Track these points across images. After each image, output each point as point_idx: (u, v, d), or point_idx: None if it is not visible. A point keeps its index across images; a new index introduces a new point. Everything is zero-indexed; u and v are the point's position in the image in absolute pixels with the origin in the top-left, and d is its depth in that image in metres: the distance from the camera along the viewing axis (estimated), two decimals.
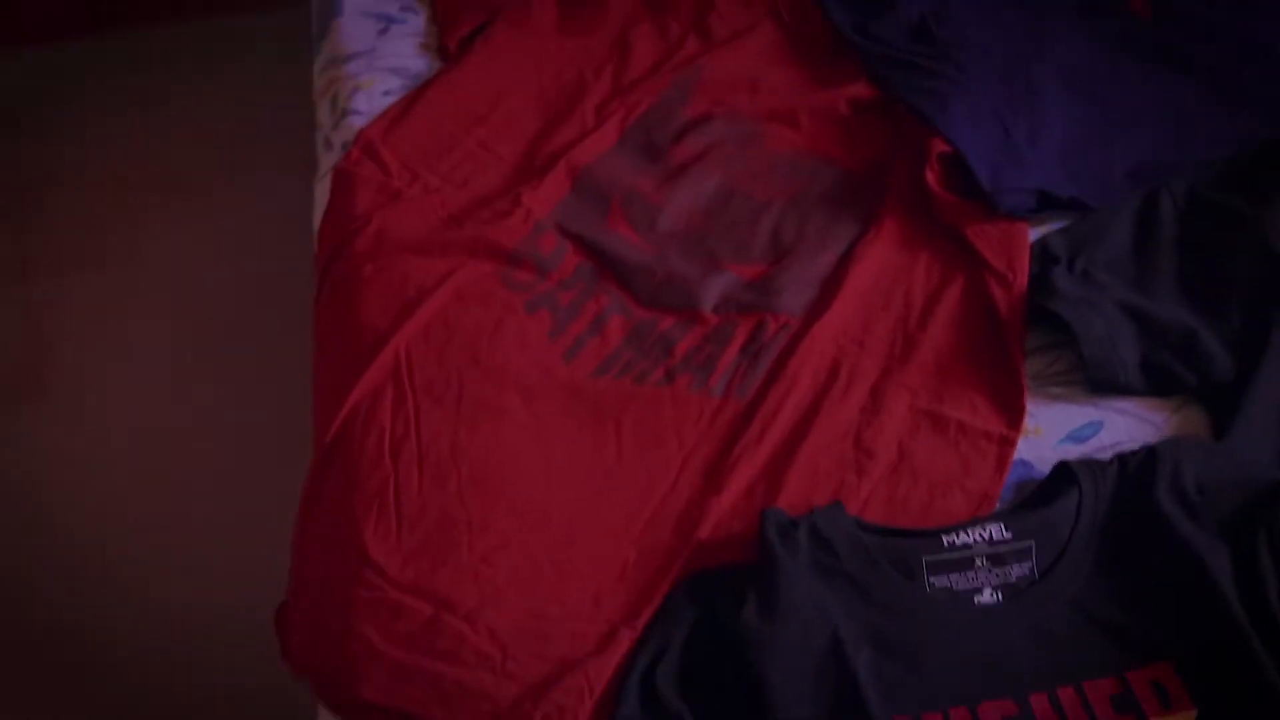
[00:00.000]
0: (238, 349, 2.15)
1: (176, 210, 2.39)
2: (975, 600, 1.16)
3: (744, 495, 1.24)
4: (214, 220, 2.36)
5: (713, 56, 1.64)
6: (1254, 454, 1.24)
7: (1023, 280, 1.37)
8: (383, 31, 1.71)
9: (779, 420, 1.29)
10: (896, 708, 1.10)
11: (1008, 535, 1.18)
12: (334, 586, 1.19)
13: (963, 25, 1.62)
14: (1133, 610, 1.15)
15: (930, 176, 1.45)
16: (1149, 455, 1.22)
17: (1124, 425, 1.29)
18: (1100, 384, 1.30)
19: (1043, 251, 1.41)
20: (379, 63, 1.65)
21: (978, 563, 1.17)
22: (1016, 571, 1.17)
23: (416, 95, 1.60)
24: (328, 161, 1.58)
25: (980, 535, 1.18)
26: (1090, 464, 1.23)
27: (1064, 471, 1.23)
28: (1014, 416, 1.29)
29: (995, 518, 1.19)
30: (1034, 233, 1.43)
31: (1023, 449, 1.28)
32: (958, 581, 1.17)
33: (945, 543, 1.18)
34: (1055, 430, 1.29)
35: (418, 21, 1.72)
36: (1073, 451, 1.27)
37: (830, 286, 1.40)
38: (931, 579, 1.16)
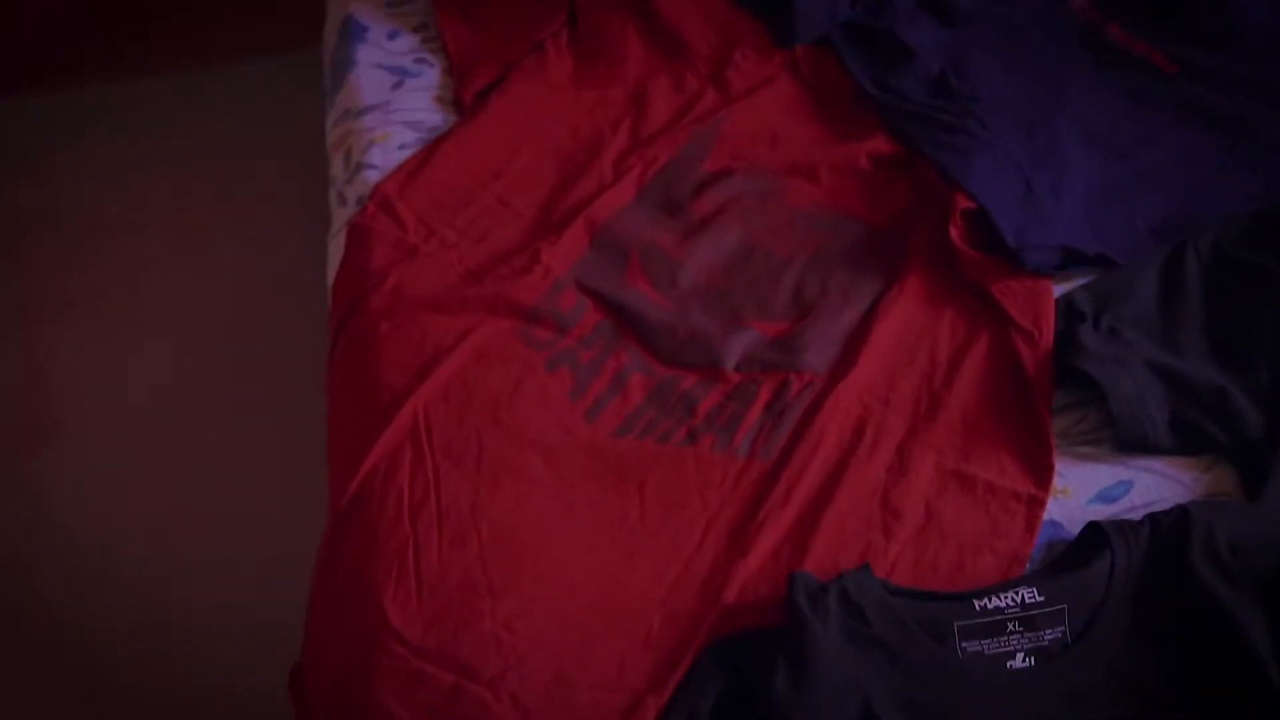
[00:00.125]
0: (239, 392, 2.14)
1: (176, 254, 2.38)
2: (1008, 665, 1.14)
3: (770, 558, 1.22)
4: (214, 264, 2.35)
5: (731, 110, 1.63)
6: None
7: (1049, 338, 1.36)
8: (397, 85, 1.69)
9: (804, 481, 1.27)
10: None
11: (1040, 599, 1.16)
12: (353, 652, 1.17)
13: (982, 79, 1.61)
14: (1167, 674, 1.13)
15: (954, 232, 1.44)
16: (1182, 516, 1.20)
17: (1154, 485, 1.27)
18: (1129, 443, 1.28)
19: (1068, 308, 1.40)
20: (394, 116, 1.64)
21: (1010, 627, 1.15)
22: (1049, 635, 1.15)
23: (432, 149, 1.59)
24: (342, 216, 1.56)
25: (1012, 599, 1.16)
26: (1121, 525, 1.21)
27: (1095, 532, 1.21)
28: (1043, 476, 1.27)
29: (1027, 581, 1.17)
30: (1058, 289, 1.42)
31: (1052, 509, 1.26)
32: (990, 646, 1.14)
33: (977, 607, 1.16)
34: (1084, 490, 1.27)
35: (432, 74, 1.71)
36: (1103, 512, 1.25)
37: (854, 344, 1.38)
38: (963, 644, 1.14)
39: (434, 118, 1.65)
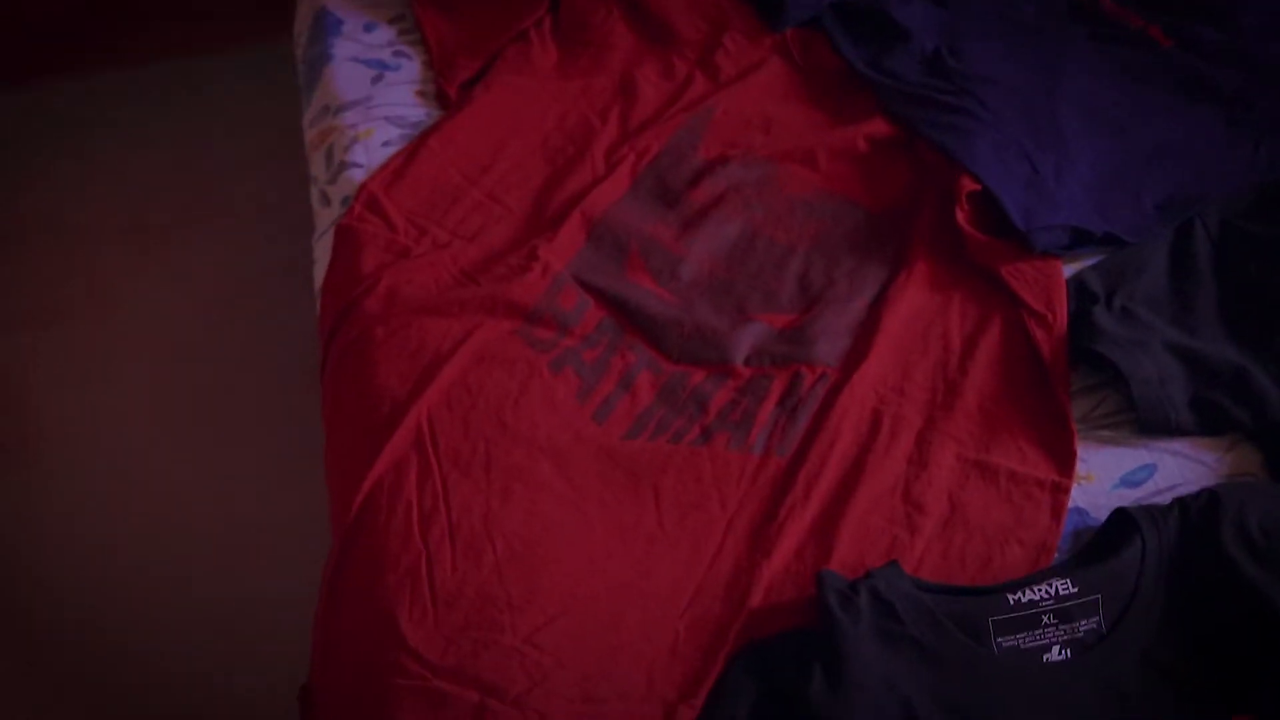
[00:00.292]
0: (229, 396, 2.08)
1: (153, 257, 2.31)
2: (1044, 659, 1.11)
3: (794, 557, 1.19)
4: (190, 266, 2.28)
5: (723, 96, 1.59)
6: None
7: (1063, 320, 1.33)
8: (376, 79, 1.64)
9: (824, 477, 1.23)
10: None
11: (1074, 590, 1.13)
12: (370, 675, 1.12)
13: (977, 57, 1.58)
14: (1205, 661, 1.11)
15: (960, 215, 1.41)
16: (1211, 499, 1.18)
17: (1177, 467, 1.25)
18: (1151, 426, 1.26)
19: (1079, 289, 1.37)
20: (375, 112, 1.58)
21: (1045, 620, 1.13)
22: (1084, 626, 1.12)
23: (418, 145, 1.54)
24: (327, 217, 1.51)
25: (1046, 591, 1.13)
26: (1150, 510, 1.18)
27: (1123, 518, 1.18)
28: (1065, 463, 1.25)
29: (1060, 572, 1.14)
30: (1067, 270, 1.40)
31: (1077, 496, 1.23)
32: (1025, 640, 1.12)
33: (1010, 601, 1.13)
34: (1108, 475, 1.25)
35: (412, 68, 1.66)
36: (1128, 496, 1.23)
37: (865, 334, 1.35)
38: (999, 639, 1.12)
39: (417, 112, 1.60)
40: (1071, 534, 1.21)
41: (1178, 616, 1.13)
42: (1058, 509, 1.22)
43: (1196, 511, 1.18)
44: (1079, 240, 1.40)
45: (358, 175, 1.51)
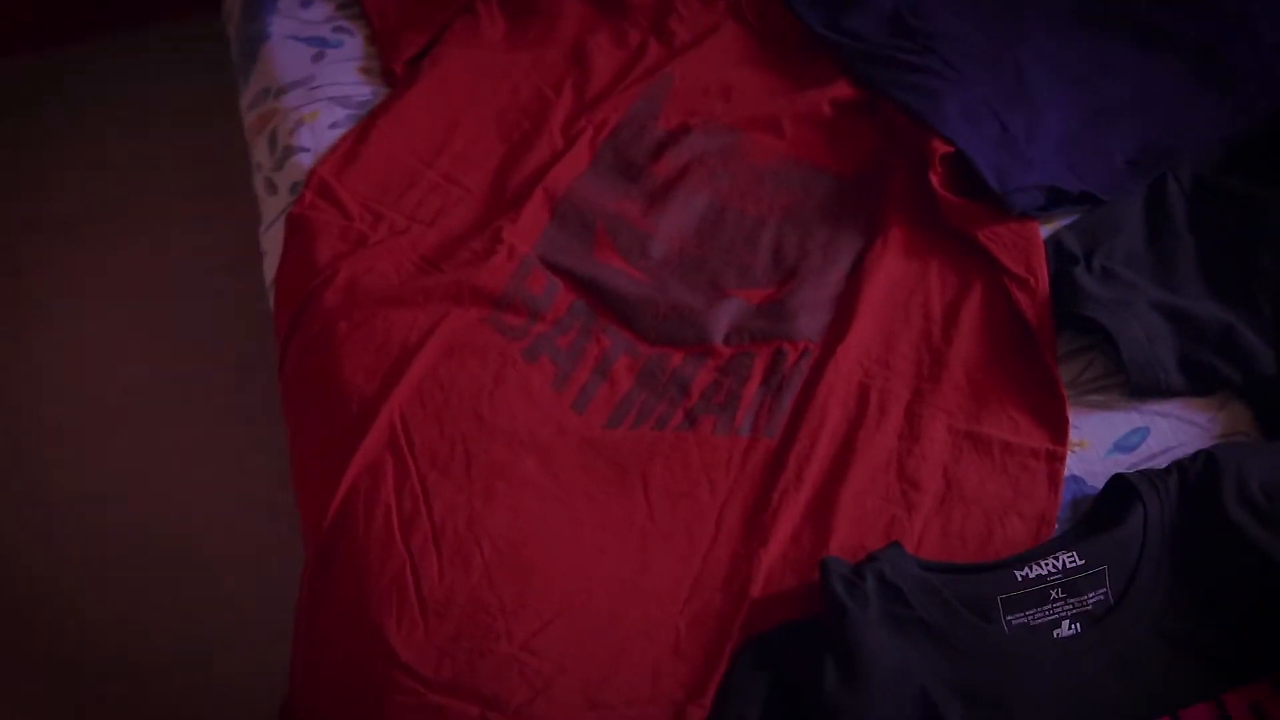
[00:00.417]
0: (163, 392, 2.00)
1: (82, 250, 2.19)
2: (1054, 634, 1.09)
3: (791, 543, 1.15)
4: (119, 261, 2.17)
5: (679, 63, 1.54)
6: None
7: (1045, 283, 1.30)
8: (318, 57, 1.56)
9: (815, 457, 1.20)
10: None
11: (1080, 562, 1.11)
12: (361, 692, 1.07)
13: (937, 15, 1.54)
14: (1215, 626, 1.09)
15: (934, 179, 1.37)
16: (1210, 462, 1.16)
17: (1170, 429, 1.23)
18: (1142, 388, 1.24)
19: (1057, 249, 1.35)
20: (319, 92, 1.50)
21: (1053, 595, 1.10)
22: (1093, 599, 1.10)
23: (367, 127, 1.46)
24: (274, 206, 1.43)
25: (1053, 565, 1.11)
26: (1148, 475, 1.16)
27: (1121, 485, 1.16)
28: (1058, 430, 1.22)
29: (1064, 544, 1.12)
30: (1043, 231, 1.37)
31: (1072, 464, 1.21)
32: (1035, 617, 1.09)
33: (1018, 577, 1.10)
34: (1102, 441, 1.23)
35: (355, 44, 1.58)
36: (1123, 462, 1.21)
37: (845, 306, 1.31)
38: (1009, 618, 1.09)
39: (363, 91, 1.52)
40: (1070, 503, 1.19)
41: (1184, 583, 1.12)
42: (1054, 478, 1.19)
43: (1195, 475, 1.16)
44: (1055, 200, 1.37)
45: (306, 160, 1.44)
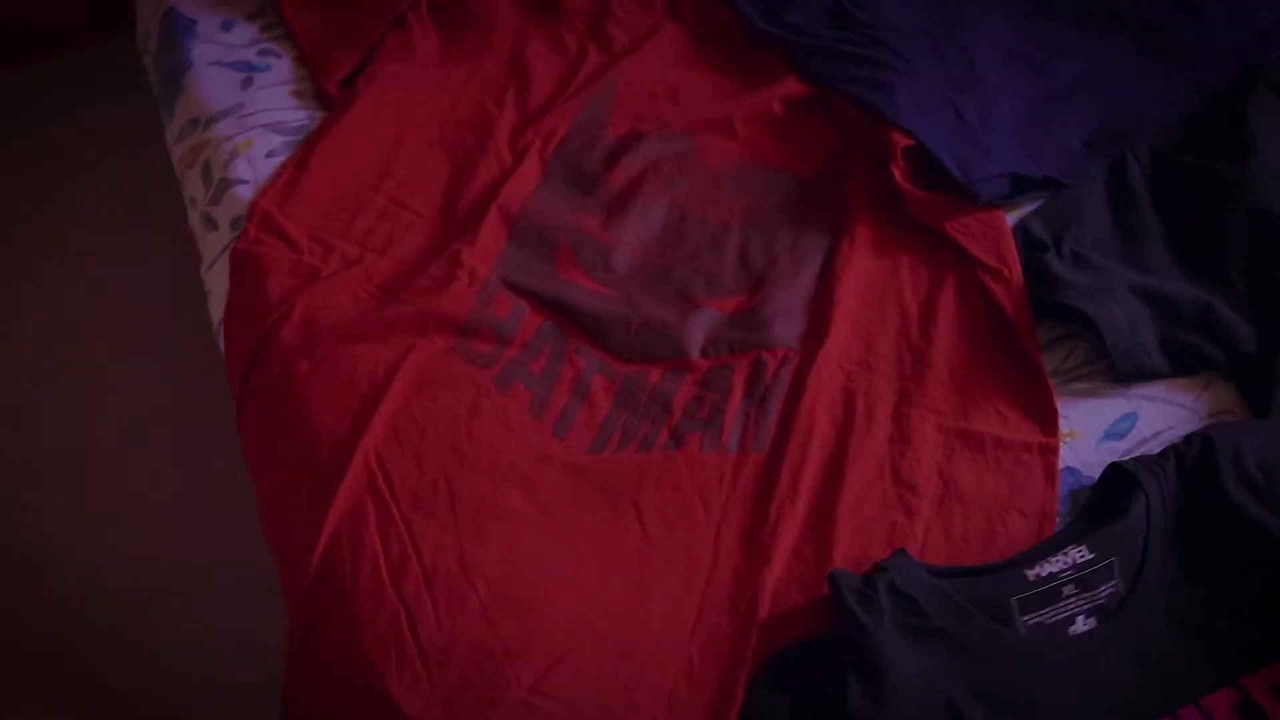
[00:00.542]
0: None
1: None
2: (1070, 632, 1.07)
3: (794, 558, 1.12)
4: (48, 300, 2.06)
5: (622, 68, 1.49)
6: None
7: (1019, 273, 1.29)
8: (246, 83, 1.48)
9: (808, 468, 1.17)
10: None
11: (1090, 556, 1.10)
12: None
13: (881, 5, 1.52)
14: (1226, 609, 1.09)
15: (897, 173, 1.35)
16: (1204, 444, 1.15)
17: (1158, 412, 1.22)
18: (1127, 373, 1.23)
19: (1025, 237, 1.33)
20: (251, 120, 1.43)
21: (1066, 591, 1.09)
22: (1105, 592, 1.09)
23: (306, 153, 1.39)
24: (215, 243, 1.35)
25: (1064, 562, 1.09)
26: (1146, 462, 1.15)
27: (1119, 474, 1.15)
28: (1048, 422, 1.21)
29: (1073, 539, 1.10)
30: (1009, 219, 1.35)
31: (1065, 455, 1.19)
32: (1049, 615, 1.08)
33: (1030, 576, 1.08)
34: (1092, 429, 1.21)
35: (283, 67, 1.50)
36: (1116, 449, 1.20)
37: (819, 310, 1.28)
38: (1024, 618, 1.07)
39: (297, 116, 1.45)
40: (1067, 495, 1.17)
41: (1191, 568, 1.11)
42: (1050, 471, 1.18)
43: (1192, 458, 1.15)
44: (1018, 187, 1.36)
45: (245, 192, 1.36)
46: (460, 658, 1.04)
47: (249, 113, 1.44)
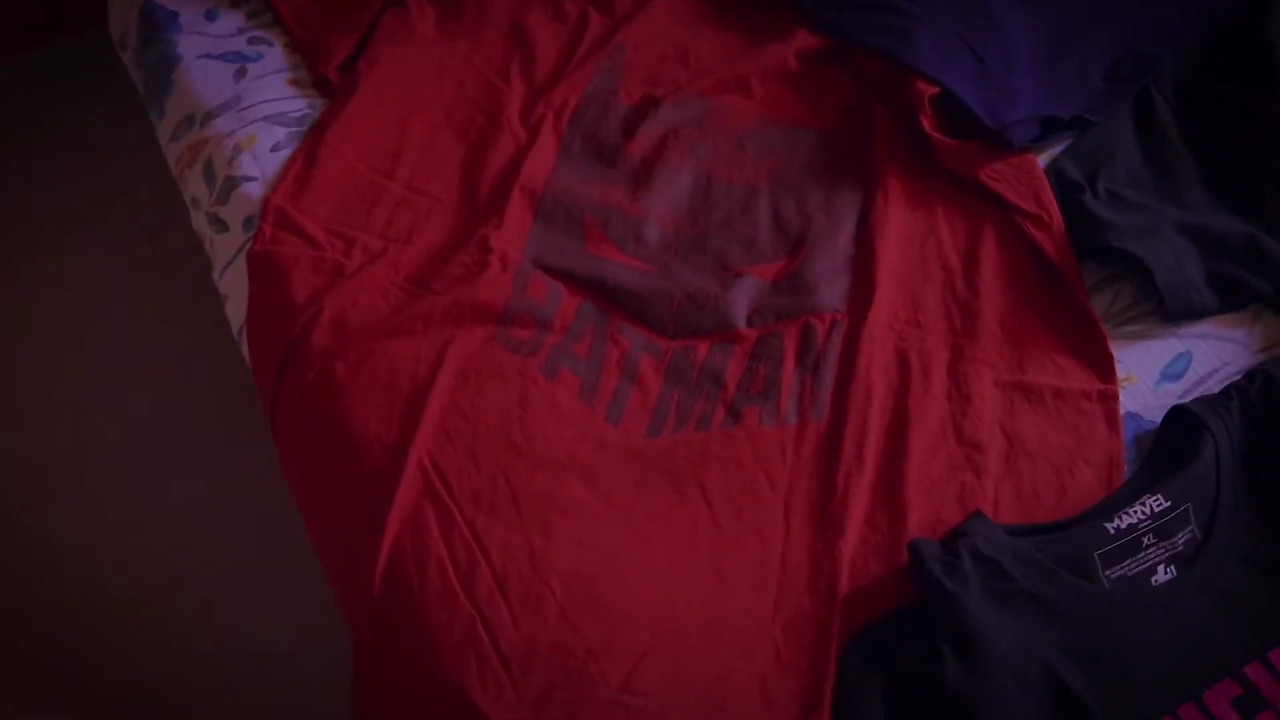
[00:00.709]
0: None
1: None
2: (1153, 581, 1.06)
3: (868, 528, 1.09)
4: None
5: (627, 32, 1.44)
6: None
7: (1059, 217, 1.26)
8: (240, 74, 1.41)
9: (870, 434, 1.14)
10: None
11: (1167, 504, 1.08)
12: None
13: None
14: None
15: (926, 122, 1.31)
16: (1266, 381, 1.14)
17: (1211, 350, 1.21)
18: (1178, 312, 1.21)
19: (1059, 179, 1.31)
20: (251, 113, 1.36)
21: (1145, 541, 1.07)
22: (1183, 538, 1.08)
23: (314, 144, 1.33)
24: (228, 245, 1.30)
25: (1142, 512, 1.08)
26: (1209, 403, 1.14)
27: (1184, 416, 1.14)
28: (1104, 368, 1.19)
29: (1148, 487, 1.09)
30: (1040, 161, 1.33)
31: (1125, 400, 1.18)
32: (1131, 568, 1.06)
33: (1111, 530, 1.07)
34: (1148, 373, 1.20)
35: (275, 55, 1.43)
36: (1174, 391, 1.18)
37: (862, 269, 1.25)
38: (1107, 572, 1.06)
39: (298, 105, 1.39)
40: (1132, 441, 1.16)
41: (1262, 506, 1.10)
42: (1112, 419, 1.16)
43: (1256, 395, 1.14)
44: (1046, 129, 1.33)
45: (254, 190, 1.30)
46: (543, 661, 1.01)
47: (247, 106, 1.37)
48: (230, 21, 1.48)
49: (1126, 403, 1.17)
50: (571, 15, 1.48)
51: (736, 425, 1.15)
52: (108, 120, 2.07)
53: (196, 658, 1.60)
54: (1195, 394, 1.17)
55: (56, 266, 1.99)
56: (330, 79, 1.40)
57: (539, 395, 1.16)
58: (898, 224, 1.28)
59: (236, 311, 1.27)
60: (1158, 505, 1.08)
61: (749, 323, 1.22)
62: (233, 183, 1.32)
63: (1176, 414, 1.14)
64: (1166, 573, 1.06)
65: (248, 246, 1.26)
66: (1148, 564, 1.07)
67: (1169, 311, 1.21)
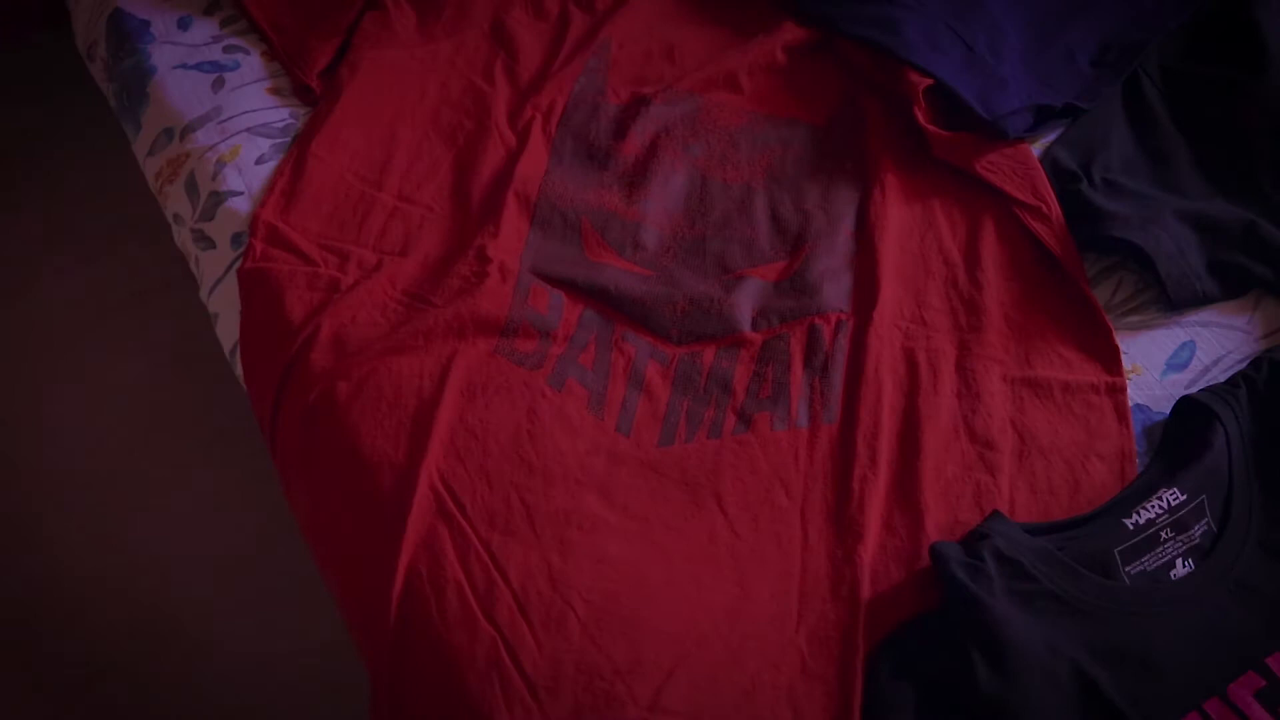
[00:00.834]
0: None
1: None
2: (1171, 576, 1.06)
3: (886, 532, 1.09)
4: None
5: (611, 28, 1.42)
6: None
7: (1057, 208, 1.26)
8: (217, 85, 1.37)
9: (883, 434, 1.13)
10: None
11: (1183, 497, 1.08)
12: None
13: None
14: None
15: (919, 115, 1.30)
16: (1274, 368, 1.15)
17: (1214, 338, 1.21)
18: (1181, 301, 1.21)
19: (1054, 168, 1.30)
20: (233, 125, 1.32)
21: (1163, 536, 1.07)
22: (1199, 531, 1.08)
23: (300, 155, 1.30)
24: (216, 262, 1.26)
25: (1159, 507, 1.08)
26: (1217, 392, 1.14)
27: (1192, 407, 1.14)
28: (1110, 360, 1.19)
29: (1163, 481, 1.09)
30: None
31: (1131, 392, 1.18)
32: (1150, 563, 1.06)
33: (1130, 526, 1.07)
34: (1153, 363, 1.20)
35: (253, 63, 1.39)
36: (1180, 381, 1.19)
37: (864, 267, 1.24)
38: (1127, 569, 1.06)
39: (280, 115, 1.35)
40: (1142, 433, 1.16)
41: (1274, 494, 1.10)
42: (1121, 411, 1.16)
43: (1263, 384, 1.14)
44: (1040, 118, 1.33)
45: (240, 205, 1.27)
46: (569, 682, 0.99)
47: (227, 117, 1.33)
48: (204, 29, 1.43)
49: (1134, 394, 1.17)
50: (552, 13, 1.45)
51: (748, 431, 1.14)
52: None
53: (197, 659, 1.59)
54: (1201, 383, 1.18)
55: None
56: (313, 87, 1.37)
57: (548, 408, 1.14)
58: (896, 219, 1.27)
59: (228, 330, 1.24)
60: (1174, 499, 1.08)
61: (754, 326, 1.21)
62: (218, 198, 1.28)
63: (1185, 404, 1.14)
64: (1185, 566, 1.07)
65: (237, 264, 1.23)
66: (1166, 558, 1.07)
67: (1172, 301, 1.21)
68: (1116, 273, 1.25)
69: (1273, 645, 1.03)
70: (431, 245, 1.25)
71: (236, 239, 1.25)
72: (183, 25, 1.44)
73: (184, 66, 1.39)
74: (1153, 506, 1.07)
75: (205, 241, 1.28)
